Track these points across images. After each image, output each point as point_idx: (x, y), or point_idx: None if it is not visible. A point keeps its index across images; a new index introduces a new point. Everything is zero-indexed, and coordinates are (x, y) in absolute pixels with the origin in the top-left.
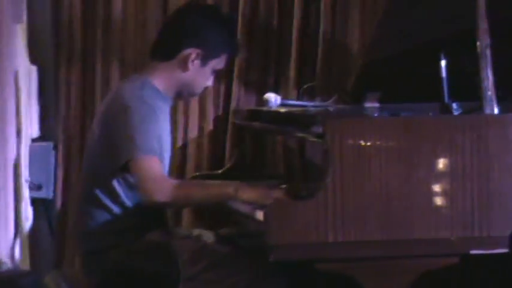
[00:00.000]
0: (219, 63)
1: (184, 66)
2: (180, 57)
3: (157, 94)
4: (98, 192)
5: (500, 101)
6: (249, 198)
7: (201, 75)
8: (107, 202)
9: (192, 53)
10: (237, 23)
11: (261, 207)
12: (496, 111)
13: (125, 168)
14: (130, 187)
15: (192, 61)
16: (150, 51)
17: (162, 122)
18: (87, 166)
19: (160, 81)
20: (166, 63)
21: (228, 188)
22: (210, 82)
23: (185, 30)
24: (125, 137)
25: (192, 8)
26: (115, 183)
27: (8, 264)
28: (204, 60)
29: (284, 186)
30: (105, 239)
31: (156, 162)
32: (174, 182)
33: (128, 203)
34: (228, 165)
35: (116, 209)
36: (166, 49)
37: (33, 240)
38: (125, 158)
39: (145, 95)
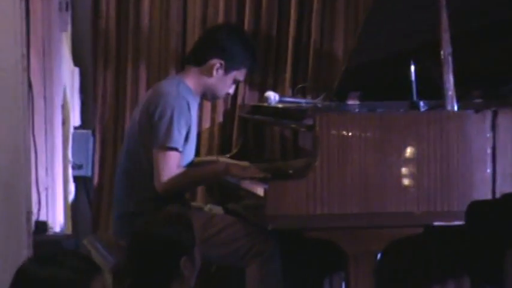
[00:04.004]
0: (239, 75)
1: (209, 72)
2: (208, 65)
3: (189, 91)
4: (131, 168)
5: (459, 99)
6: (236, 173)
7: (222, 82)
8: (138, 176)
9: (217, 62)
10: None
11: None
12: (455, 108)
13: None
14: None
15: (217, 69)
16: (186, 57)
17: (193, 114)
18: (126, 145)
19: (191, 82)
20: (196, 68)
21: (221, 166)
22: (231, 90)
23: (214, 43)
24: (159, 124)
25: (223, 27)
26: (145, 161)
27: (54, 229)
28: (227, 70)
29: (266, 164)
30: (134, 206)
31: (175, 156)
32: (179, 172)
33: (154, 178)
34: (234, 150)
35: (144, 183)
36: (197, 57)
37: (75, 210)
38: (154, 142)
39: (180, 90)
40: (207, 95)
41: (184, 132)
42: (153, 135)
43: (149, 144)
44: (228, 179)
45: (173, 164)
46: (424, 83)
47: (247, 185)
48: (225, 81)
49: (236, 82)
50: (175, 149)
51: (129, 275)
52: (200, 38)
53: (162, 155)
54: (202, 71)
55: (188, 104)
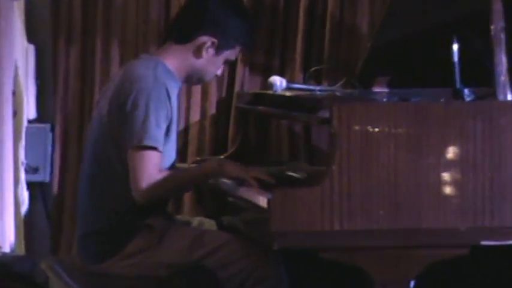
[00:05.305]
0: (232, 54)
1: (198, 52)
2: (196, 43)
3: (169, 75)
4: (99, 173)
5: None
6: (232, 172)
7: (213, 63)
8: (108, 183)
9: (208, 41)
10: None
11: (242, 183)
12: (509, 97)
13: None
14: None
15: (207, 49)
16: (166, 32)
17: (173, 103)
18: (90, 145)
19: (173, 62)
20: (180, 46)
21: (212, 163)
22: (220, 71)
23: (205, 17)
24: (132, 116)
25: None
26: (117, 164)
27: (3, 248)
28: (219, 49)
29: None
30: (103, 221)
31: (154, 156)
32: (161, 176)
33: (129, 185)
34: (231, 150)
35: (116, 191)
36: (183, 32)
37: (29, 225)
38: (128, 140)
39: (158, 74)
40: (192, 79)
41: (164, 126)
42: (126, 131)
43: (122, 143)
44: (223, 185)
45: (153, 166)
46: (469, 65)
47: (246, 193)
48: (215, 63)
49: (227, 63)
50: (154, 148)
51: None
52: (185, 7)
53: (139, 156)
54: (187, 50)
55: (167, 92)
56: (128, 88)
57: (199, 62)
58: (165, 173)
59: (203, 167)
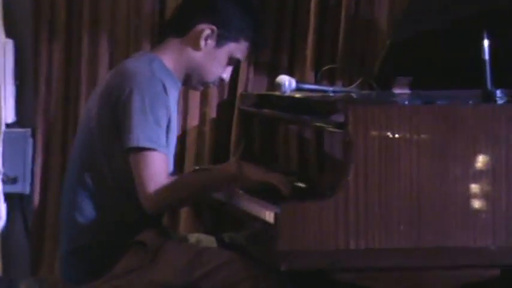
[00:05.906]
0: (237, 49)
1: (195, 43)
2: (193, 33)
3: (166, 72)
4: (87, 182)
5: None
6: (253, 175)
7: (214, 58)
8: (96, 195)
9: (206, 29)
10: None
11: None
12: None
13: (122, 155)
14: (124, 178)
15: (205, 39)
16: (164, 27)
17: (172, 103)
18: (77, 153)
19: (170, 59)
20: (178, 40)
21: (230, 166)
22: (226, 74)
23: (201, 3)
24: (127, 115)
25: None
26: (107, 173)
27: None
28: (220, 41)
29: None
30: (91, 236)
31: (158, 158)
32: (171, 180)
33: (121, 196)
34: (233, 157)
35: (105, 203)
36: (178, 23)
37: (7, 241)
38: (124, 143)
39: (155, 69)
40: (192, 79)
41: (164, 125)
42: (120, 133)
43: (114, 148)
44: (223, 197)
45: (157, 169)
46: (501, 64)
47: (250, 206)
48: (216, 58)
49: (233, 62)
50: (155, 150)
51: None
52: None
53: (139, 159)
54: (184, 42)
55: (165, 88)
56: (120, 85)
57: (198, 56)
58: (175, 178)
59: (220, 170)
